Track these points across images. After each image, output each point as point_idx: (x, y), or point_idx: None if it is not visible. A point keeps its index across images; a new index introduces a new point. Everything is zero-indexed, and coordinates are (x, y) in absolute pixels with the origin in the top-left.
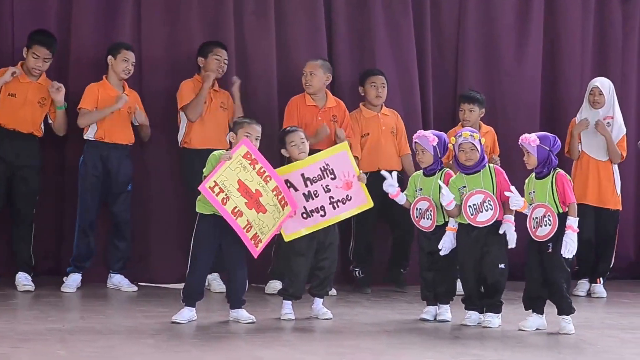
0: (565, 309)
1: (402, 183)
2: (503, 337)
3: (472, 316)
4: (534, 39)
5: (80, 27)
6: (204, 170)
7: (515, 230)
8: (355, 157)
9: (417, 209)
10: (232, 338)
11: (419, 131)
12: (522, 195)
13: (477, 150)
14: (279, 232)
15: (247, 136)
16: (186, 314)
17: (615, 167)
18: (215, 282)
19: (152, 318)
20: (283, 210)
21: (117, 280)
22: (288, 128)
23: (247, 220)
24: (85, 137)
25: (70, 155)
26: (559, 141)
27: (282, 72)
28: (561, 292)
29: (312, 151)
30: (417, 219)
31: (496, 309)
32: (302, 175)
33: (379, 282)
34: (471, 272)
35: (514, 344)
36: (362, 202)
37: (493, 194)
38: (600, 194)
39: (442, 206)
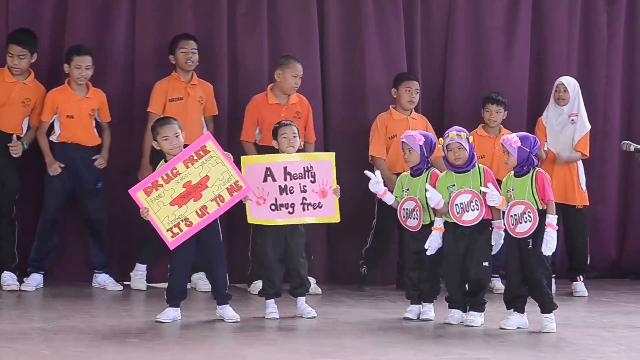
0: (547, 305)
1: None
2: (486, 335)
3: (455, 315)
4: (521, 40)
5: (75, 26)
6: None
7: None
8: (380, 159)
9: (404, 209)
10: (216, 337)
11: (406, 131)
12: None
13: (465, 149)
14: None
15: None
16: (170, 314)
17: (580, 163)
18: (200, 282)
19: (137, 317)
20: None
21: (102, 280)
22: (283, 121)
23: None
24: (50, 139)
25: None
26: (538, 142)
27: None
28: (541, 289)
29: None
30: (404, 219)
31: (479, 307)
32: (285, 168)
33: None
34: (456, 271)
35: (496, 343)
36: (331, 214)
37: (480, 194)
38: (566, 191)
39: (428, 206)
